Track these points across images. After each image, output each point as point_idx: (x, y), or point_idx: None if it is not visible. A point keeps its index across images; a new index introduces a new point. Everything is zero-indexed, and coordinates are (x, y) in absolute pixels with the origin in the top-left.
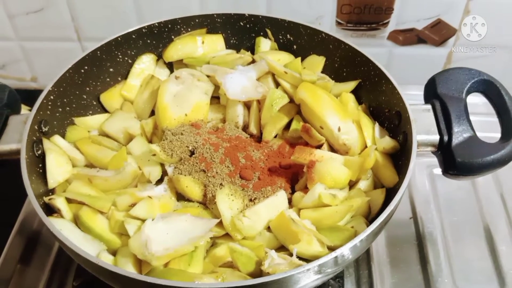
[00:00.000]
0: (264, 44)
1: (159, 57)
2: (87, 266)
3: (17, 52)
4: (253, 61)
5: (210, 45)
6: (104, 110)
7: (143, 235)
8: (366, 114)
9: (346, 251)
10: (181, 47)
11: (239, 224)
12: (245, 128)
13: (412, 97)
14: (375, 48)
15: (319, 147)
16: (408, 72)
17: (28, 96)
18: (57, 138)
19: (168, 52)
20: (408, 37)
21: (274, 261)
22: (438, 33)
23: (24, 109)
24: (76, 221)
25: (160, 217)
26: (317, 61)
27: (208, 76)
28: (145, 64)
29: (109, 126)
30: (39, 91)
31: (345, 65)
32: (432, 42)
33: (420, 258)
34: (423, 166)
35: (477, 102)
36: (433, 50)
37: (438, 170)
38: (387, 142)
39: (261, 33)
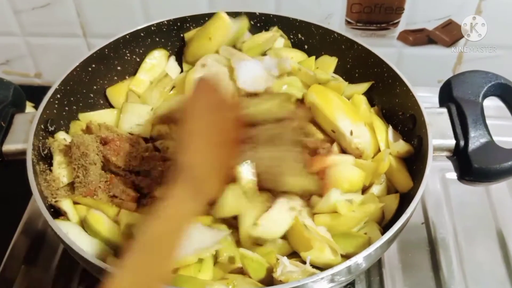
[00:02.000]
0: (278, 41)
1: (170, 53)
2: (93, 271)
3: (22, 48)
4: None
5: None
6: (111, 107)
7: None
8: (379, 116)
9: (360, 260)
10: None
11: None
12: None
13: (422, 98)
14: (384, 48)
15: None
16: (417, 72)
17: (32, 92)
18: (62, 134)
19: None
20: (418, 37)
21: (286, 269)
22: (449, 33)
23: (28, 105)
24: (83, 224)
25: None
26: (329, 62)
27: None
28: (156, 60)
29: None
30: (43, 88)
31: (357, 66)
32: (443, 43)
33: (432, 264)
34: (436, 170)
35: (488, 105)
36: (443, 51)
37: (450, 175)
38: (401, 146)
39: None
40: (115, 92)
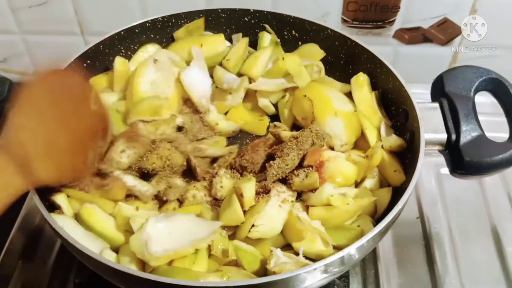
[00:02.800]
0: (266, 39)
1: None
2: (90, 264)
3: (19, 46)
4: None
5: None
6: None
7: (144, 233)
8: (377, 102)
9: (353, 251)
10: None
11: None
12: None
13: (417, 95)
14: (380, 46)
15: None
16: (413, 71)
17: None
18: None
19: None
20: (414, 35)
21: (279, 260)
22: (444, 32)
23: None
24: (78, 219)
25: (164, 216)
26: (314, 51)
27: None
28: (149, 54)
29: None
30: None
31: (351, 62)
32: (438, 41)
33: (427, 259)
34: (430, 166)
35: (483, 101)
36: (438, 49)
37: (445, 170)
38: (394, 140)
39: (266, 29)
40: (96, 82)
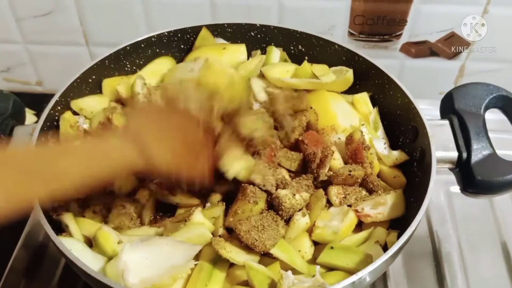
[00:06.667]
0: (275, 54)
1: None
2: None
3: (23, 56)
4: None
5: (231, 54)
6: None
7: (121, 262)
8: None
9: (365, 275)
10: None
11: None
12: None
13: (423, 111)
14: (387, 59)
15: None
16: (419, 84)
17: (33, 100)
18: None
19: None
20: (421, 49)
21: (290, 282)
22: (451, 46)
23: (28, 113)
24: (92, 241)
25: (140, 241)
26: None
27: None
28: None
29: None
30: (44, 95)
31: (358, 77)
32: (445, 55)
33: (437, 278)
34: (440, 184)
35: (489, 118)
36: (445, 63)
37: (455, 188)
38: (396, 157)
39: (272, 43)
40: (110, 83)
